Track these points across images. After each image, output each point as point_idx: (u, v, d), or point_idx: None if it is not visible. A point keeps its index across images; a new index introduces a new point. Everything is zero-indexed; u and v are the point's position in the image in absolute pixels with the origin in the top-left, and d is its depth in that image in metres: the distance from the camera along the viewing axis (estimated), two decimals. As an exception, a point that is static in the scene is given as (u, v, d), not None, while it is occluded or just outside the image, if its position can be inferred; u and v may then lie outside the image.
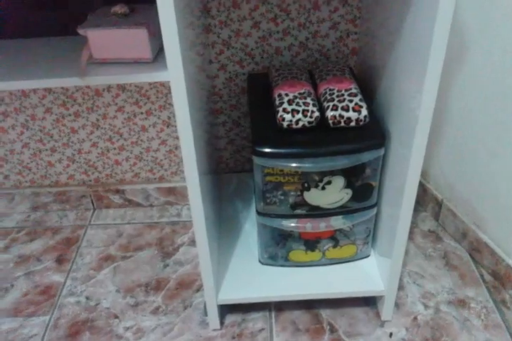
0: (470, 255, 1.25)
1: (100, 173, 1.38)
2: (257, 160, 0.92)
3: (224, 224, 1.21)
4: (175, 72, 0.72)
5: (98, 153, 1.34)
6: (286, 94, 0.95)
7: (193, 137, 0.79)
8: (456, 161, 1.24)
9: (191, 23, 0.88)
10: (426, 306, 1.11)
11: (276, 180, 0.95)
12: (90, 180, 1.40)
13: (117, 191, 1.39)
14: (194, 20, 0.94)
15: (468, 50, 1.10)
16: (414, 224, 1.35)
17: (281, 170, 0.93)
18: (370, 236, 1.07)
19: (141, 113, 1.27)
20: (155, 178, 1.40)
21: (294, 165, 0.91)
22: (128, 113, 1.26)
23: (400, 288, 1.14)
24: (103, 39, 0.87)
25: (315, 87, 1.01)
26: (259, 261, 1.10)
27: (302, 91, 0.96)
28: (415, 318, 1.09)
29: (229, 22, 1.14)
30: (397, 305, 1.10)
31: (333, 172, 0.94)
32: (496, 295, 1.14)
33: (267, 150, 0.90)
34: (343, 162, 0.92)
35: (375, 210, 1.02)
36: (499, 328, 1.06)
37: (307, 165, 0.91)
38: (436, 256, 1.25)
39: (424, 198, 1.39)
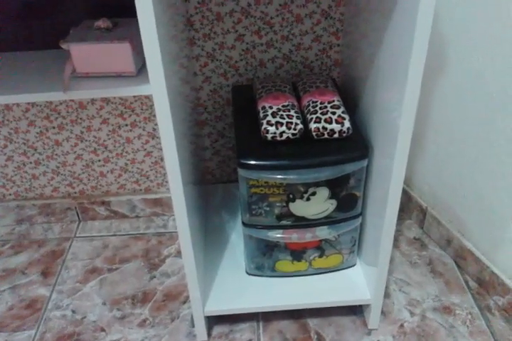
0: (455, 262, 1.27)
1: (85, 185, 1.38)
2: (241, 172, 0.93)
3: (210, 235, 1.21)
4: (157, 86, 0.72)
5: (83, 165, 1.34)
6: (270, 107, 0.96)
7: (177, 149, 0.79)
8: (439, 169, 1.26)
9: (174, 36, 0.89)
10: (412, 313, 1.13)
11: (261, 192, 0.95)
12: (75, 192, 1.40)
13: (103, 203, 1.39)
14: (177, 34, 0.95)
15: (448, 60, 1.12)
16: (399, 232, 1.37)
17: (266, 182, 0.94)
18: (356, 245, 1.08)
19: (126, 125, 1.27)
20: (141, 189, 1.40)
21: (278, 176, 0.91)
22: (112, 125, 1.27)
23: (386, 295, 1.16)
24: (86, 53, 0.88)
25: (298, 99, 1.03)
26: (246, 272, 1.10)
27: (286, 103, 0.98)
28: (402, 326, 1.10)
29: (213, 35, 1.15)
30: (383, 313, 1.11)
31: (317, 184, 0.95)
32: (481, 301, 1.15)
33: (252, 162, 0.91)
34: (327, 173, 0.93)
35: (359, 220, 1.03)
36: (484, 335, 1.07)
37: (292, 177, 0.92)
38: (422, 263, 1.27)
39: (409, 206, 1.41)
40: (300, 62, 1.22)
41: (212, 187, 1.38)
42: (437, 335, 1.07)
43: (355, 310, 1.13)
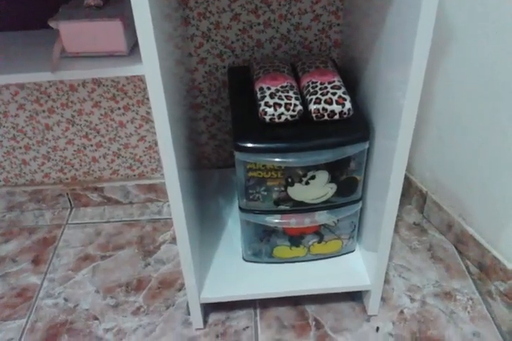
0: (455, 247, 1.25)
1: (77, 171, 1.34)
2: (238, 156, 0.89)
3: (206, 221, 1.18)
4: (150, 66, 0.69)
5: (74, 151, 1.30)
6: (268, 88, 0.93)
7: (171, 133, 0.76)
8: (441, 153, 1.23)
9: (168, 15, 0.85)
10: (412, 299, 1.11)
11: (259, 176, 0.92)
12: (67, 178, 1.36)
13: (95, 189, 1.36)
14: (171, 12, 0.91)
15: (454, 41, 1.09)
16: (399, 217, 1.34)
17: (264, 166, 0.91)
18: (355, 230, 1.05)
19: (119, 108, 1.23)
20: (134, 175, 1.37)
21: (277, 160, 0.88)
22: (105, 108, 1.23)
23: (386, 281, 1.13)
24: (75, 32, 0.83)
25: (297, 79, 0.99)
26: (243, 258, 1.08)
27: (284, 84, 0.94)
28: (402, 312, 1.08)
29: (208, 14, 1.11)
30: (383, 299, 1.09)
31: (317, 167, 0.92)
32: (482, 286, 1.13)
33: (249, 145, 0.88)
34: (327, 156, 0.90)
35: (360, 204, 1.00)
36: (485, 320, 1.05)
37: (291, 160, 0.88)
38: (422, 248, 1.25)
39: (409, 190, 1.38)
40: (299, 43, 1.19)
41: (209, 172, 1.34)
42: (438, 321, 1.05)
43: (354, 296, 1.10)
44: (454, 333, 1.03)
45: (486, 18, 0.98)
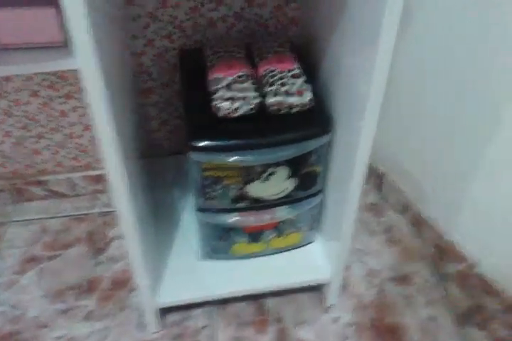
0: (413, 228, 1.23)
1: (18, 164, 1.24)
2: (193, 156, 0.82)
3: (161, 216, 1.11)
4: (84, 55, 0.59)
5: (13, 143, 1.19)
6: (223, 78, 0.85)
7: (111, 122, 0.67)
8: (398, 132, 1.20)
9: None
10: (370, 285, 1.09)
11: (215, 175, 0.86)
12: (7, 173, 1.25)
13: (39, 182, 1.25)
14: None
15: (418, 23, 1.03)
16: (356, 199, 1.31)
17: (221, 164, 0.84)
18: (315, 221, 1.01)
19: (59, 97, 1.12)
20: (80, 166, 1.27)
21: (234, 158, 0.82)
22: (44, 97, 1.12)
23: (345, 267, 1.10)
24: (5, 21, 0.73)
25: (254, 66, 0.91)
26: (200, 257, 1.02)
27: (240, 73, 0.86)
28: (360, 300, 1.06)
29: (154, -9, 1.01)
30: (342, 287, 1.06)
31: (277, 163, 0.86)
32: (438, 269, 1.12)
33: (204, 144, 0.80)
34: (288, 152, 0.83)
35: (320, 196, 0.96)
36: (441, 303, 1.05)
37: (249, 159, 0.82)
38: (380, 230, 1.23)
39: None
40: (254, 21, 1.10)
41: (162, 160, 1.26)
42: (395, 307, 1.05)
43: (314, 287, 1.07)
44: (411, 318, 1.02)
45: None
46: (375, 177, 1.32)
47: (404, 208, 1.24)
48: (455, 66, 0.98)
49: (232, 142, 0.81)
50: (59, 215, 1.26)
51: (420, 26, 1.03)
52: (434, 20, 0.99)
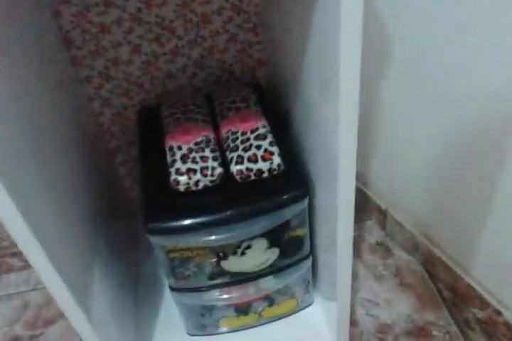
0: (425, 269, 1.12)
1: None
2: (153, 239, 0.73)
3: (141, 287, 1.02)
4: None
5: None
6: (179, 147, 0.77)
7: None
8: (394, 165, 1.10)
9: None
10: (384, 343, 0.99)
11: (182, 256, 0.77)
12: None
13: (14, 254, 1.18)
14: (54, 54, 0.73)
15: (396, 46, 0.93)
16: (359, 237, 1.22)
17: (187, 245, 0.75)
18: (310, 284, 0.92)
19: None
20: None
21: (202, 239, 0.73)
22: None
23: (353, 323, 1.01)
24: None
25: (216, 127, 0.83)
26: (187, 333, 0.93)
27: (199, 139, 0.78)
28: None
29: (101, 50, 0.92)
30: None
31: (252, 236, 0.77)
32: (458, 315, 1.01)
33: (162, 226, 0.72)
34: (262, 224, 0.75)
35: (310, 260, 0.87)
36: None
37: (218, 238, 0.73)
38: (388, 274, 1.12)
39: (368, 206, 1.25)
40: (217, 67, 1.01)
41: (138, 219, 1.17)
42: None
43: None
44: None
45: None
46: (378, 213, 1.22)
47: (413, 246, 1.13)
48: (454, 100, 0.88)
49: (196, 221, 0.72)
50: (40, 286, 1.17)
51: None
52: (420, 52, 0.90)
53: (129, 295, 0.95)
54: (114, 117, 1.02)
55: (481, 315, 0.99)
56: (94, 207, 0.86)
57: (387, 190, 1.17)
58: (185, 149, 0.76)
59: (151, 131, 0.87)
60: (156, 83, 0.99)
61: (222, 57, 1.00)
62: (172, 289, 0.83)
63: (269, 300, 0.90)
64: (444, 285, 1.07)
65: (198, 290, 0.83)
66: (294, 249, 0.83)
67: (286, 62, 0.83)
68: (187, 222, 0.71)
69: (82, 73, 0.94)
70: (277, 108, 0.91)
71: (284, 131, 0.84)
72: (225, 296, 0.83)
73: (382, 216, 1.21)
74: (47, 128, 0.68)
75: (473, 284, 0.98)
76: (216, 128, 0.82)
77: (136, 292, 1.01)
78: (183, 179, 0.72)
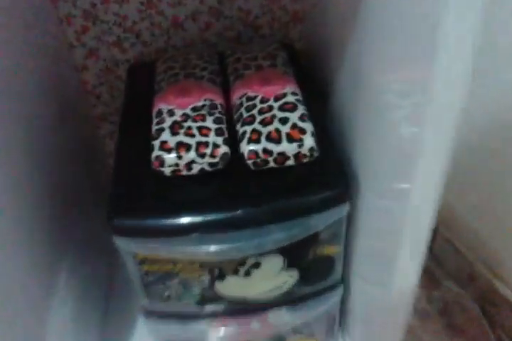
0: (481, 307, 0.88)
1: None
2: (119, 242, 0.49)
3: (113, 305, 0.78)
4: None
5: None
6: (171, 112, 0.53)
7: None
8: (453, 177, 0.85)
9: None
10: None
11: (160, 271, 0.53)
12: None
13: None
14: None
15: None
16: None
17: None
18: (336, 325, 0.67)
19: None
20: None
21: (189, 248, 0.49)
22: None
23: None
24: None
25: (227, 89, 0.58)
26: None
27: (200, 103, 0.53)
28: None
29: (86, -20, 0.68)
30: None
31: (262, 251, 0.52)
32: None
33: (134, 223, 0.48)
34: (279, 235, 0.50)
35: (340, 291, 0.62)
36: None
37: (214, 248, 0.49)
38: (433, 311, 0.88)
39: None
40: (238, 19, 0.76)
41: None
42: None
43: None
44: None
45: None
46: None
47: (468, 278, 0.89)
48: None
49: (183, 220, 0.48)
50: None
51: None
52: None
53: (94, 311, 0.71)
54: (101, 73, 0.78)
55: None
56: (69, 195, 0.64)
57: (440, 202, 0.93)
58: (178, 115, 0.52)
59: (139, 92, 0.63)
60: (157, 33, 0.75)
61: (245, 5, 0.75)
62: (144, 313, 0.58)
63: (279, 340, 0.65)
64: (505, 333, 0.84)
65: (180, 317, 0.58)
66: (320, 272, 0.58)
67: (334, 16, 0.58)
68: (169, 220, 0.48)
69: (60, 9, 0.70)
70: (314, 74, 0.66)
71: (321, 103, 0.59)
72: (218, 330, 0.59)
73: (431, 235, 0.97)
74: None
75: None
76: (226, 92, 0.57)
77: (107, 307, 0.77)
78: (169, 158, 0.48)
